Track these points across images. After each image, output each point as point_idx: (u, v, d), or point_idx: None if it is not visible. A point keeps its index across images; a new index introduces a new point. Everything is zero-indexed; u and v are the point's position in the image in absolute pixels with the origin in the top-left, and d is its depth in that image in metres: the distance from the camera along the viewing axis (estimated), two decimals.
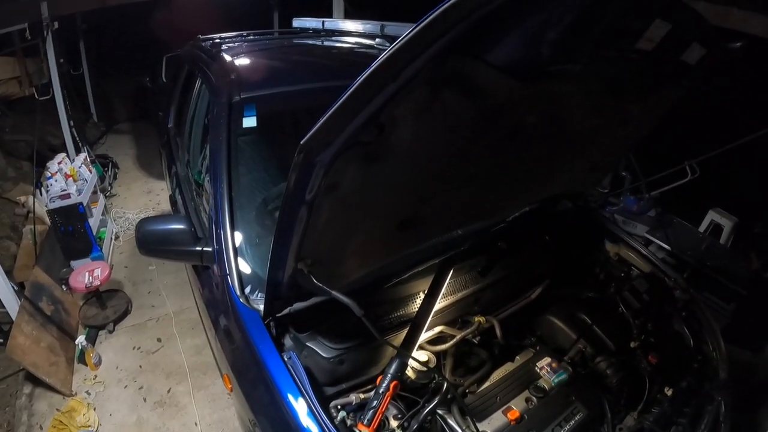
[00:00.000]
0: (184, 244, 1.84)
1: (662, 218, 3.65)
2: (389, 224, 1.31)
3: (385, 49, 0.82)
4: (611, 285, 2.15)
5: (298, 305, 1.55)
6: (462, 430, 1.49)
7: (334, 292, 1.24)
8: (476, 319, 1.79)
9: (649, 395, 1.78)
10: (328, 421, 1.33)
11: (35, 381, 2.83)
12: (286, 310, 1.55)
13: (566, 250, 2.17)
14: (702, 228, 3.69)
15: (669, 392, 1.78)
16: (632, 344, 1.88)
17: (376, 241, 1.37)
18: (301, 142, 0.90)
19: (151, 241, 1.85)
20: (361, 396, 1.48)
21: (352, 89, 0.84)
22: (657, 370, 1.84)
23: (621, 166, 3.62)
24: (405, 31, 0.79)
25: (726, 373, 1.87)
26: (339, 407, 1.44)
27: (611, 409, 1.70)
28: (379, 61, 0.81)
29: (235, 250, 1.75)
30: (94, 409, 2.74)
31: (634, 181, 3.66)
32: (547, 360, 1.78)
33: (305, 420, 1.34)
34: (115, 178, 5.72)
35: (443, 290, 1.68)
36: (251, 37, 3.34)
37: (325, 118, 0.88)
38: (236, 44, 3.03)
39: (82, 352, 2.99)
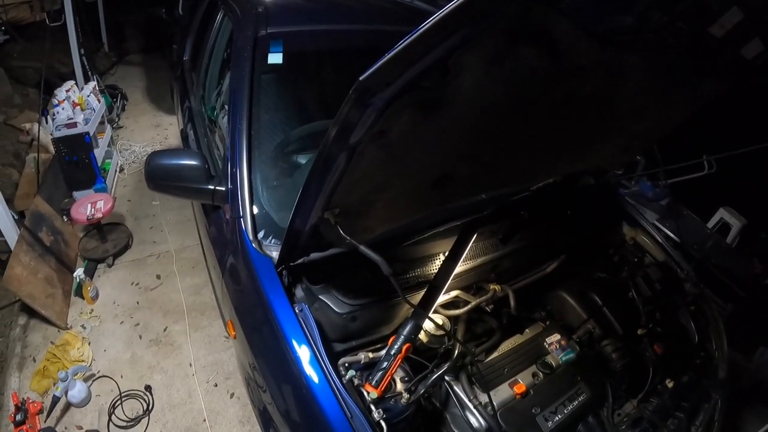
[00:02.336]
0: (196, 182, 1.76)
1: (673, 208, 3.61)
2: (425, 179, 1.25)
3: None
4: (624, 269, 2.12)
5: (313, 255, 1.50)
6: (469, 399, 1.48)
7: (362, 247, 1.18)
8: (492, 286, 1.75)
9: (651, 385, 1.78)
10: (335, 375, 1.30)
11: (30, 312, 2.81)
12: (301, 260, 1.50)
13: (584, 228, 2.13)
14: (710, 224, 3.66)
15: (670, 384, 1.78)
16: (639, 331, 1.87)
17: (408, 196, 1.31)
18: (359, 79, 0.83)
19: (160, 176, 1.76)
20: (371, 355, 1.44)
21: (426, 27, 0.76)
22: (661, 361, 1.83)
23: None
24: None
25: (725, 372, 1.88)
26: (347, 365, 1.41)
27: (612, 393, 1.71)
28: (460, 1, 0.73)
29: (251, 191, 1.67)
30: (89, 344, 2.72)
31: (648, 167, 3.60)
32: (556, 336, 1.76)
33: (308, 368, 1.32)
34: (123, 109, 5.61)
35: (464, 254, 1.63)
36: None
37: (389, 55, 0.80)
38: None
39: (80, 285, 2.95)
